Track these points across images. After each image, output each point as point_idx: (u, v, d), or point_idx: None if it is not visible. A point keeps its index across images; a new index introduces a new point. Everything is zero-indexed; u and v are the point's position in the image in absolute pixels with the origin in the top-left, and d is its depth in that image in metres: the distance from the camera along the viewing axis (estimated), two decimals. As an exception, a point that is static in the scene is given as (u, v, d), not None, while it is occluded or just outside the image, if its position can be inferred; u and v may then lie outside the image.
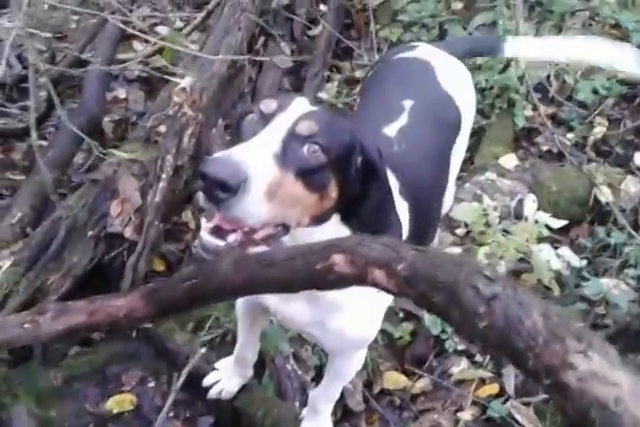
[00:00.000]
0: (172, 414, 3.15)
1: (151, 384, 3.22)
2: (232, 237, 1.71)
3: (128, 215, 3.34)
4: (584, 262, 3.90)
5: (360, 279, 1.50)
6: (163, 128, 3.69)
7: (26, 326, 1.85)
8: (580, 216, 4.36)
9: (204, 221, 1.74)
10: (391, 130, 2.62)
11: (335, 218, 1.98)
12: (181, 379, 3.04)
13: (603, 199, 4.30)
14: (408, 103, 2.77)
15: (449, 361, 3.64)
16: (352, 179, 1.91)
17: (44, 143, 4.14)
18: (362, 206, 1.98)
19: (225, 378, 3.14)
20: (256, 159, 1.63)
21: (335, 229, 1.98)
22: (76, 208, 3.30)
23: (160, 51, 4.37)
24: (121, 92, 4.91)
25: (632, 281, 3.90)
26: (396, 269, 1.42)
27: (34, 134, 3.39)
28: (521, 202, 4.00)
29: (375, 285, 1.47)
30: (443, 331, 3.61)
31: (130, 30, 3.70)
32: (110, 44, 4.24)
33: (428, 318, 3.60)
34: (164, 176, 3.51)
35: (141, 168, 3.47)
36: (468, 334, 1.33)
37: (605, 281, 3.86)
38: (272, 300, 2.30)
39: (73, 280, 3.21)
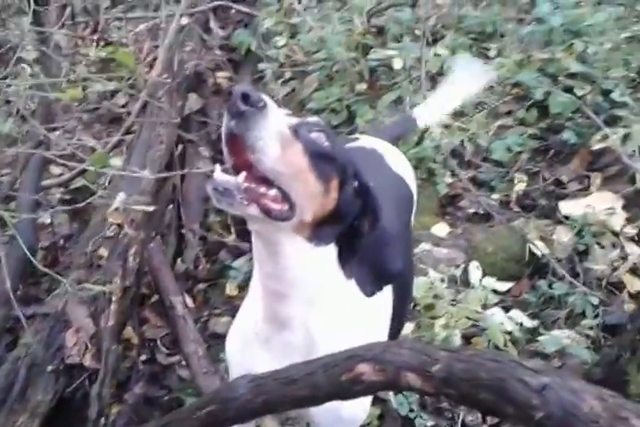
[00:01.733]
0: None
1: None
2: (241, 176, 1.78)
3: (84, 344, 3.23)
4: (535, 322, 3.89)
5: (393, 385, 1.51)
6: (102, 251, 3.60)
7: None
8: (519, 272, 4.36)
9: (217, 166, 1.82)
10: None
11: (333, 251, 2.07)
12: None
13: (538, 252, 4.30)
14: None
15: None
16: (351, 193, 2.04)
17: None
18: (361, 239, 2.08)
19: None
20: (274, 105, 1.77)
21: (331, 264, 2.08)
22: (32, 345, 3.20)
23: (82, 172, 4.32)
24: (46, 218, 4.81)
25: (590, 331, 3.90)
26: (432, 371, 1.42)
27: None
28: (465, 269, 4.00)
29: (410, 388, 1.48)
30: (411, 410, 3.56)
31: (57, 159, 3.67)
32: (36, 173, 4.15)
33: (395, 400, 3.55)
34: (113, 299, 3.42)
35: (89, 294, 3.39)
36: (526, 425, 1.33)
37: (558, 333, 3.86)
38: (266, 365, 2.14)
39: (40, 419, 3.06)
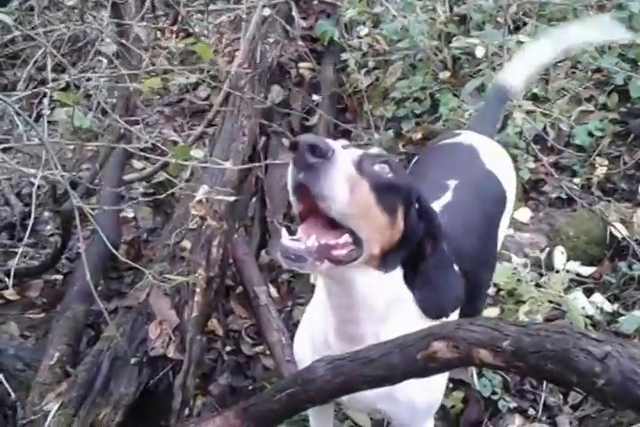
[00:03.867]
0: None
1: None
2: (311, 240, 1.71)
3: (168, 335, 3.12)
4: (616, 306, 3.76)
5: (465, 361, 1.51)
6: (185, 243, 3.47)
7: None
8: (600, 255, 4.25)
9: (284, 231, 1.77)
10: (435, 206, 2.49)
11: (399, 274, 2.02)
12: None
13: (618, 235, 4.19)
14: (452, 182, 2.75)
15: (504, 421, 3.47)
16: (415, 218, 1.98)
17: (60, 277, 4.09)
18: (425, 261, 2.02)
19: None
20: (340, 149, 1.70)
21: (398, 286, 2.03)
22: (115, 338, 3.07)
23: (164, 166, 4.19)
24: (129, 212, 4.75)
25: None
26: (502, 346, 1.42)
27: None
28: (549, 254, 3.82)
29: (482, 364, 1.48)
30: (493, 392, 3.48)
31: (139, 153, 3.57)
32: (118, 167, 4.04)
33: (478, 383, 3.48)
34: (197, 290, 3.32)
35: (172, 286, 3.25)
36: (588, 392, 1.38)
37: (638, 313, 3.71)
38: None
39: (124, 411, 2.95)
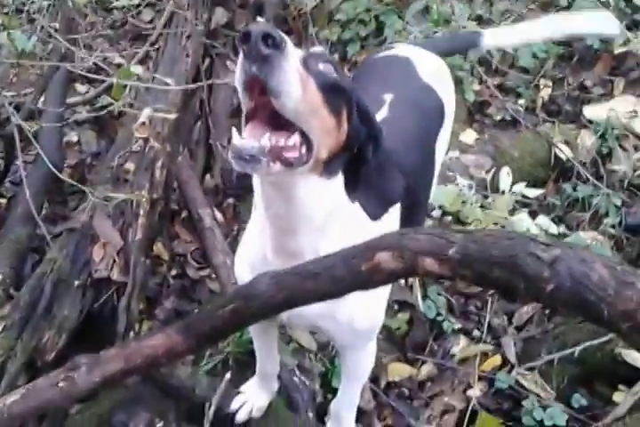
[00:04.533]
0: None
1: (159, 425, 2.92)
2: (265, 139, 1.59)
3: (111, 258, 3.06)
4: (561, 228, 3.78)
5: (410, 271, 1.45)
6: (129, 165, 3.37)
7: (60, 384, 1.73)
8: (545, 176, 4.26)
9: (234, 131, 1.61)
10: None
11: (340, 181, 1.92)
12: (211, 414, 2.80)
13: (563, 156, 4.20)
14: (388, 96, 2.66)
15: (448, 342, 3.52)
16: (356, 121, 1.86)
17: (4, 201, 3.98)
18: (366, 165, 1.93)
19: (252, 397, 2.92)
20: (290, 42, 1.55)
21: (339, 194, 1.94)
22: (58, 260, 2.99)
23: (107, 89, 4.08)
24: (72, 136, 4.61)
25: (611, 229, 3.85)
26: (448, 254, 1.38)
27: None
28: (495, 175, 3.83)
29: (427, 273, 1.42)
30: (438, 314, 3.50)
31: (84, 73, 3.46)
32: (61, 88, 3.90)
33: (423, 304, 3.49)
34: (141, 212, 3.25)
35: (116, 208, 3.18)
36: (537, 299, 1.34)
37: (582, 234, 3.77)
38: None
39: (68, 334, 2.91)
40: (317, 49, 1.77)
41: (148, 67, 4.60)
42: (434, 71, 2.97)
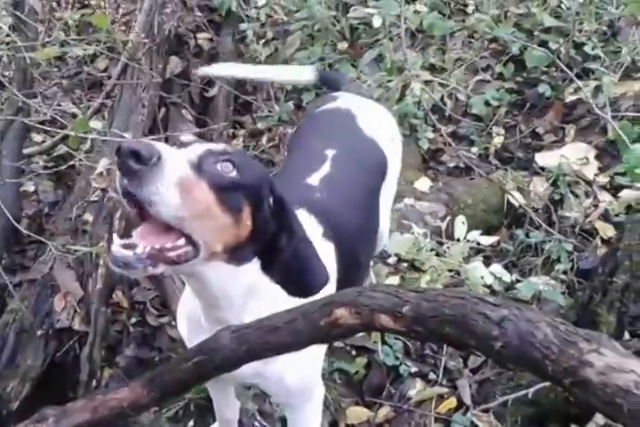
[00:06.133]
0: None
1: None
2: (140, 248, 1.65)
3: (73, 307, 3.20)
4: (514, 276, 3.83)
5: (368, 327, 1.54)
6: (87, 216, 3.53)
7: None
8: (498, 223, 4.40)
9: (115, 237, 1.70)
10: (314, 179, 2.60)
11: (255, 264, 1.98)
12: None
13: (515, 203, 4.34)
14: (330, 152, 2.75)
15: (405, 385, 3.60)
16: (266, 214, 1.92)
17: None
18: (281, 253, 1.98)
19: None
20: (170, 152, 1.64)
21: (256, 275, 1.99)
22: (20, 311, 3.14)
23: (63, 139, 4.22)
24: (29, 186, 4.69)
25: (563, 275, 3.97)
26: (402, 311, 1.46)
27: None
28: (450, 223, 3.94)
29: (382, 329, 1.51)
30: (396, 358, 3.60)
31: (38, 126, 3.60)
32: (17, 141, 4.04)
33: (381, 350, 3.59)
34: (101, 262, 3.37)
35: (76, 259, 3.32)
36: (486, 355, 1.50)
37: (534, 280, 3.90)
38: None
39: (31, 383, 3.04)
40: (218, 147, 1.83)
41: (104, 116, 4.76)
42: (376, 123, 3.08)
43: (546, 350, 1.30)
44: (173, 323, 3.70)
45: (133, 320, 3.95)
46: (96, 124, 3.33)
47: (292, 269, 2.01)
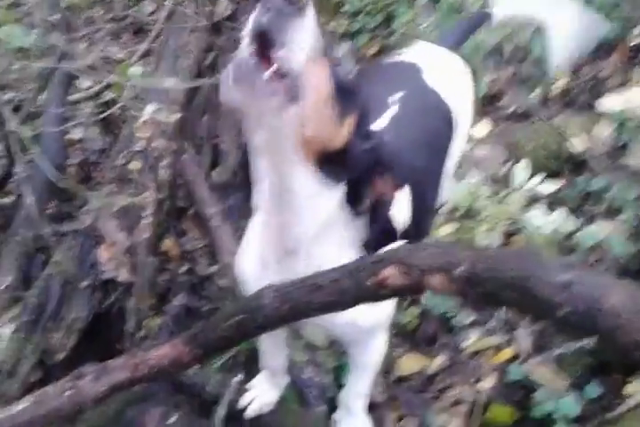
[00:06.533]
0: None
1: (173, 418, 3.01)
2: (269, 71, 1.53)
3: (118, 258, 3.17)
4: (576, 224, 3.78)
5: (416, 289, 1.47)
6: (134, 164, 3.48)
7: (67, 393, 1.81)
8: (558, 169, 4.26)
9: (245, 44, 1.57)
10: (378, 125, 2.48)
11: (339, 193, 1.91)
12: (222, 411, 2.90)
13: (577, 149, 4.22)
14: (395, 98, 2.67)
15: (459, 336, 3.56)
16: (361, 143, 1.85)
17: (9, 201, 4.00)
18: (363, 202, 1.94)
19: (261, 393, 2.99)
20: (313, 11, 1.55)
21: (336, 204, 1.92)
22: (64, 262, 3.12)
23: (110, 85, 4.16)
24: (75, 134, 4.63)
25: (627, 225, 3.82)
26: (455, 272, 1.38)
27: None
28: (510, 169, 3.85)
29: (435, 290, 1.44)
30: (451, 308, 3.57)
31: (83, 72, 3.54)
32: (61, 86, 4.00)
33: (432, 299, 3.54)
34: (147, 212, 3.34)
35: (122, 208, 3.28)
36: (548, 322, 1.45)
37: (595, 228, 3.79)
38: None
39: (77, 335, 3.03)
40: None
41: (150, 62, 4.69)
42: (443, 76, 2.97)
43: (616, 318, 1.20)
44: (221, 272, 3.68)
45: (182, 269, 3.92)
46: (136, 69, 3.23)
47: (373, 219, 1.98)
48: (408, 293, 1.60)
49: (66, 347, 2.98)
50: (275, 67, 1.53)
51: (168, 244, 3.87)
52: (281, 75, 1.55)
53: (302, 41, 1.52)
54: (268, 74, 1.52)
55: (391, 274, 1.47)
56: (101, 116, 3.58)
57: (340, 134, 1.78)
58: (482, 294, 1.37)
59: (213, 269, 3.88)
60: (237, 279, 2.42)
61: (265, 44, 1.52)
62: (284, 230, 1.98)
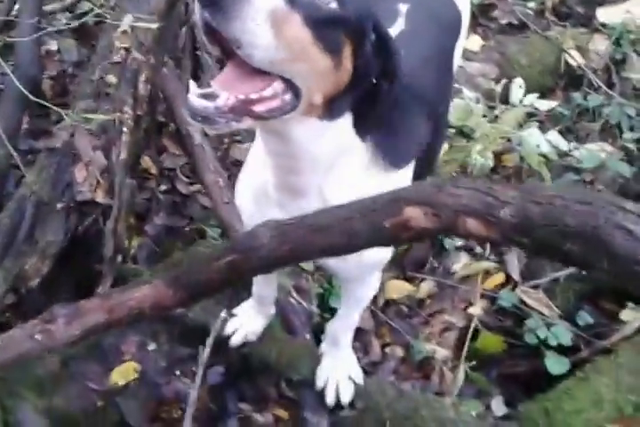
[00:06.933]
0: (178, 372, 2.96)
1: (152, 347, 2.98)
2: (222, 98, 1.45)
3: (95, 178, 2.97)
4: (572, 145, 3.69)
5: (448, 231, 1.31)
6: (111, 78, 3.26)
7: (37, 336, 1.67)
8: (553, 84, 4.21)
9: (192, 84, 1.51)
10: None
11: (347, 119, 1.76)
12: (208, 349, 2.76)
13: (573, 63, 4.12)
14: (403, 7, 2.45)
15: (449, 260, 3.52)
16: (368, 55, 1.67)
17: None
18: (380, 103, 1.76)
19: (247, 321, 2.94)
20: None
21: (346, 133, 1.79)
22: (38, 182, 2.94)
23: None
24: (52, 45, 4.41)
25: (630, 145, 3.79)
26: (499, 215, 1.19)
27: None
28: (505, 86, 3.69)
29: (469, 235, 1.26)
30: None
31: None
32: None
33: None
34: (125, 130, 3.11)
35: (98, 125, 3.09)
36: (622, 282, 1.14)
37: (593, 147, 3.73)
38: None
39: (51, 260, 2.87)
40: None
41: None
42: None
43: None
44: (204, 191, 3.53)
45: (163, 188, 3.82)
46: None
47: (389, 124, 1.83)
48: (435, 235, 1.45)
49: (40, 272, 2.82)
50: (225, 100, 1.45)
51: (147, 160, 3.72)
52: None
53: (258, 22, 1.37)
54: (225, 120, 1.47)
55: (416, 215, 1.30)
56: (77, 23, 3.35)
57: (343, 72, 1.62)
58: (534, 243, 1.19)
59: (195, 187, 3.79)
60: (240, 213, 2.31)
61: (220, 35, 1.40)
62: (289, 173, 1.87)
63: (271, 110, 1.52)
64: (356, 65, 1.63)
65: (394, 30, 2.31)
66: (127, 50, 3.27)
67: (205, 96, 1.46)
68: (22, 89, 2.93)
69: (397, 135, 1.90)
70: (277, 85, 1.51)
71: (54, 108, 2.92)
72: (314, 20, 1.48)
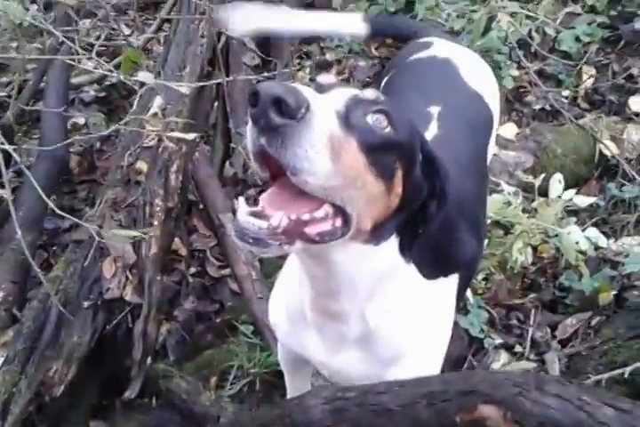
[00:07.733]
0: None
1: None
2: (277, 218, 1.32)
3: (124, 275, 2.79)
4: (611, 242, 3.51)
5: None
6: (141, 165, 3.08)
7: None
8: (588, 174, 4.03)
9: (242, 201, 1.37)
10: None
11: (393, 243, 1.64)
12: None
13: (608, 153, 3.96)
14: (435, 110, 2.37)
15: (488, 358, 3.31)
16: (418, 178, 1.59)
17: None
18: (428, 224, 1.64)
19: None
20: (317, 100, 1.29)
21: (391, 257, 1.66)
22: (64, 278, 2.75)
23: (116, 67, 3.80)
24: (79, 119, 4.29)
25: None
26: None
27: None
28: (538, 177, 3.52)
29: None
30: (480, 330, 3.31)
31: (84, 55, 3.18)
32: (63, 70, 3.64)
33: (465, 320, 3.30)
34: (155, 223, 2.95)
35: (127, 216, 2.91)
36: None
37: (628, 241, 3.58)
38: (317, 351, 1.89)
39: (77, 364, 2.66)
40: (368, 93, 1.47)
41: (159, 41, 4.36)
42: (478, 74, 2.72)
43: None
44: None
45: (192, 270, 3.68)
46: (150, 76, 2.87)
47: (439, 244, 1.68)
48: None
49: (65, 378, 2.61)
50: (278, 220, 1.33)
51: (177, 242, 3.56)
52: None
53: (317, 150, 1.28)
54: (278, 243, 1.35)
55: (492, 415, 1.09)
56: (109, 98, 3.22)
57: (394, 197, 1.52)
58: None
59: (226, 271, 3.63)
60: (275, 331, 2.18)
61: (272, 160, 1.31)
62: (325, 297, 1.72)
63: (322, 234, 1.40)
64: (405, 188, 1.54)
65: (427, 135, 2.16)
66: (159, 137, 3.09)
67: (256, 214, 1.33)
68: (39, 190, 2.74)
69: (441, 250, 1.72)
70: (328, 208, 1.38)
71: (78, 221, 2.68)
72: (369, 145, 1.40)
